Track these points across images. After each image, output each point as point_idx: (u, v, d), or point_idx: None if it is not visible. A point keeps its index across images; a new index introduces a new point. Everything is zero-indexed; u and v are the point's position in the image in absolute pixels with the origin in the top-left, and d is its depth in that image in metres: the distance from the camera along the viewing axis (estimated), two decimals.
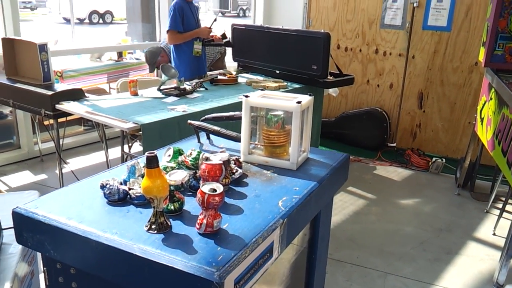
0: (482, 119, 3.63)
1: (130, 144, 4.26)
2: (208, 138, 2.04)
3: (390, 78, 5.20)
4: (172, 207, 1.33)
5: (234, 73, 4.50)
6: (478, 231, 3.41)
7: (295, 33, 4.39)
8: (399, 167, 4.70)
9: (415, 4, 4.84)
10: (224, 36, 4.46)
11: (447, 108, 4.90)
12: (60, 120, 3.50)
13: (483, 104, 3.64)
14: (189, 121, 1.97)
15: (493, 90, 3.41)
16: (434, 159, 4.61)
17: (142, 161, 1.55)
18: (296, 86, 4.19)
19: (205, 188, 1.22)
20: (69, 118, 3.76)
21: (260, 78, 4.42)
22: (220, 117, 1.96)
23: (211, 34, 4.39)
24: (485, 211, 3.70)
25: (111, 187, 1.39)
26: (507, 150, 2.92)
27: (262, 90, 3.95)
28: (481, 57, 3.61)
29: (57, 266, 1.38)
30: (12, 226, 1.53)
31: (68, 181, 3.76)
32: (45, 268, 1.43)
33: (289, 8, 5.92)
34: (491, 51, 3.43)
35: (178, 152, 1.59)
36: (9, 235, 1.62)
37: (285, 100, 1.72)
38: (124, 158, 3.76)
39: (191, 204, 1.41)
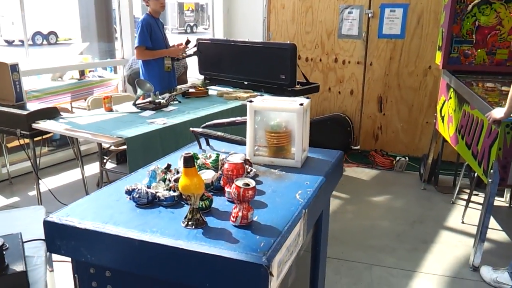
0: (442, 117, 3.92)
1: (104, 161, 4.23)
2: (208, 144, 2.13)
3: (350, 85, 5.46)
4: (203, 205, 1.41)
5: (201, 85, 4.59)
6: (447, 220, 3.66)
7: (261, 45, 4.55)
8: (365, 168, 4.94)
9: (370, 15, 5.14)
10: (188, 42, 4.54)
11: (405, 110, 5.21)
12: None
13: (443, 104, 3.93)
14: (191, 128, 2.05)
15: (451, 89, 3.70)
16: (397, 158, 4.88)
17: (161, 166, 1.62)
18: (267, 95, 4.33)
19: (239, 183, 1.31)
20: (43, 137, 3.72)
21: (229, 89, 4.53)
22: (221, 123, 2.06)
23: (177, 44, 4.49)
24: (451, 202, 3.97)
25: (139, 191, 1.46)
26: (471, 143, 3.19)
27: (237, 100, 4.08)
28: (438, 60, 3.91)
29: (91, 271, 1.43)
30: (35, 238, 1.56)
31: (45, 202, 3.70)
32: (76, 275, 1.46)
33: (249, 22, 6.08)
34: (448, 54, 3.73)
35: (194, 156, 1.67)
36: (29, 248, 1.63)
37: (286, 103, 1.85)
38: (102, 174, 3.74)
39: (216, 202, 1.49)
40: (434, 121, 4.16)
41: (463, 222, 3.60)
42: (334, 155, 2.03)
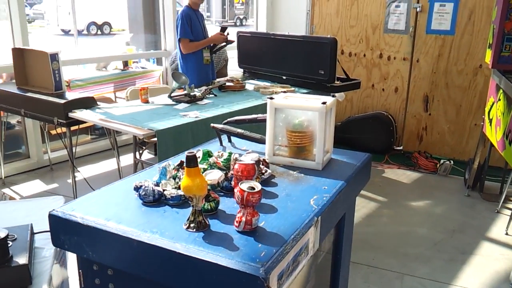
0: (490, 120, 3.66)
1: (140, 152, 4.28)
2: (230, 141, 2.07)
3: (395, 82, 5.24)
4: (209, 206, 1.34)
5: (239, 79, 4.54)
6: (490, 231, 3.43)
7: (301, 39, 4.43)
8: (407, 170, 4.73)
9: (418, 9, 4.89)
10: (223, 28, 4.47)
11: (453, 110, 4.94)
12: (71, 128, 3.52)
13: (491, 105, 3.67)
14: (212, 124, 1.99)
15: (501, 91, 3.45)
16: (442, 161, 4.63)
17: (172, 163, 1.57)
18: (304, 91, 4.22)
19: (244, 186, 1.24)
20: (79, 126, 3.79)
21: (267, 84, 4.45)
22: (242, 119, 1.99)
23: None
24: (496, 211, 3.72)
25: (146, 188, 1.41)
26: None
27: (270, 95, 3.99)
28: (488, 59, 3.66)
29: (94, 267, 1.40)
30: (44, 230, 1.56)
31: (80, 190, 3.78)
32: (80, 271, 1.44)
33: (292, 15, 5.97)
34: (498, 53, 3.48)
35: (208, 154, 1.61)
36: (41, 239, 1.64)
37: (309, 101, 1.75)
38: (136, 165, 3.78)
39: (225, 204, 1.43)
40: (482, 123, 3.91)
41: (507, 234, 3.36)
42: (361, 158, 1.91)
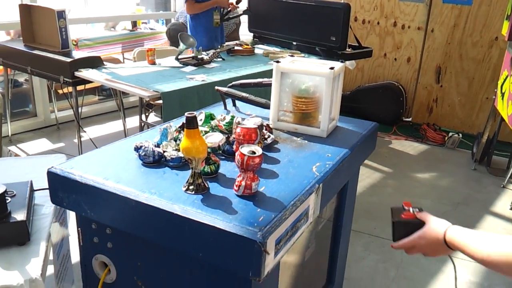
0: (503, 94, 3.58)
1: (146, 114, 4.26)
2: (234, 105, 2.03)
3: (407, 52, 5.12)
4: (209, 169, 1.33)
5: (249, 44, 4.45)
6: (495, 205, 3.41)
7: (313, 3, 4.30)
8: (414, 142, 4.68)
9: None
10: (238, 1, 4.39)
11: (465, 83, 4.83)
12: (77, 88, 3.49)
13: (505, 79, 3.58)
14: (216, 87, 1.96)
15: None
16: (450, 134, 4.57)
17: (174, 124, 1.55)
18: (314, 58, 4.13)
19: (244, 150, 1.21)
20: (86, 86, 3.76)
21: (276, 49, 4.37)
22: (248, 83, 1.95)
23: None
24: (502, 186, 3.69)
25: (146, 149, 1.40)
26: None
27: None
28: (505, 30, 3.54)
29: (93, 226, 1.40)
30: (44, 187, 1.55)
31: (86, 149, 3.78)
32: (79, 229, 1.45)
33: None
34: None
35: (210, 117, 1.59)
36: (40, 197, 1.64)
37: (317, 66, 1.70)
38: (142, 127, 3.76)
39: (225, 168, 1.41)
40: (494, 97, 3.82)
41: (511, 209, 3.33)
42: (367, 127, 1.88)
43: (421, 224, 1.26)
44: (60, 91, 4.50)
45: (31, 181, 1.60)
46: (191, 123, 1.20)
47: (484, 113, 4.68)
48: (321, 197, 1.40)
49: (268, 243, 1.08)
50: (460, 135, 4.55)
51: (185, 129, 1.20)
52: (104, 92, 5.35)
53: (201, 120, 1.59)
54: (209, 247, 1.14)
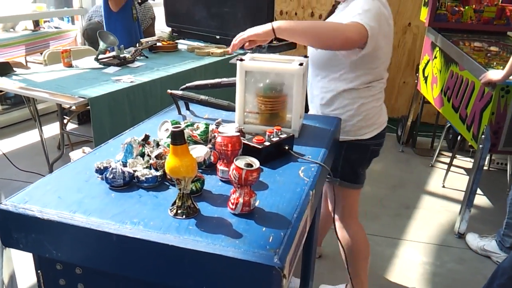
0: (426, 78, 3.76)
1: (65, 122, 3.88)
2: (188, 108, 1.87)
3: None
4: (194, 187, 1.17)
5: (167, 39, 4.23)
6: (428, 184, 3.58)
7: None
8: None
9: None
10: None
11: None
12: None
13: (426, 63, 3.76)
14: (169, 90, 1.78)
15: (437, 49, 3.53)
16: None
17: (138, 138, 1.36)
18: (241, 51, 4.02)
19: (240, 163, 1.08)
20: None
21: (201, 44, 4.20)
22: (204, 85, 1.79)
23: None
24: (430, 165, 3.89)
25: (114, 170, 1.20)
26: (459, 106, 3.05)
27: (208, 56, 3.77)
28: (424, 16, 3.70)
29: (57, 267, 1.19)
30: None
31: (0, 168, 3.36)
32: (39, 272, 1.22)
33: None
34: (434, 11, 3.52)
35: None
36: None
37: (283, 63, 1.60)
38: (63, 137, 3.41)
39: (208, 183, 1.26)
40: (416, 81, 4.00)
41: (443, 186, 3.52)
42: (332, 122, 1.81)
43: None
44: None
45: None
46: (178, 139, 1.03)
47: (402, 97, 4.91)
48: (313, 205, 1.31)
49: (286, 266, 0.96)
50: None
51: (171, 146, 1.03)
52: (9, 101, 4.79)
53: (167, 130, 1.42)
54: (215, 279, 0.99)
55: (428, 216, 3.13)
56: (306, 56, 1.67)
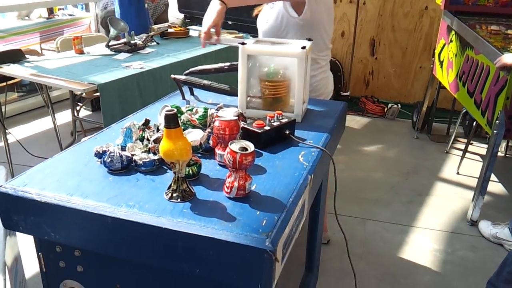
0: (441, 62, 3.67)
1: (78, 108, 3.92)
2: (192, 93, 1.87)
3: (341, 26, 5.12)
4: (190, 171, 1.17)
5: (179, 25, 4.22)
6: (442, 171, 3.52)
7: None
8: (355, 115, 4.73)
9: None
10: None
11: (399, 53, 4.93)
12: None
13: (442, 47, 3.67)
14: (172, 75, 1.77)
15: (453, 32, 3.44)
16: (389, 105, 4.67)
17: (138, 121, 1.36)
18: (250, 37, 4.00)
19: (234, 147, 1.07)
20: (7, 83, 3.37)
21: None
22: (207, 69, 1.78)
23: None
24: (445, 152, 3.82)
25: (112, 154, 1.21)
26: (474, 91, 2.98)
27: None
28: (439, 0, 3.61)
29: (57, 249, 1.20)
30: None
31: (14, 154, 3.42)
32: (40, 254, 1.24)
33: None
34: None
35: (178, 111, 1.41)
36: None
37: (285, 46, 1.58)
38: (75, 124, 3.45)
39: (205, 167, 1.26)
40: (431, 66, 3.92)
41: (458, 173, 3.45)
42: (338, 107, 1.79)
43: None
44: None
45: None
46: (171, 122, 1.03)
47: (419, 82, 4.81)
48: (311, 190, 1.29)
49: (278, 250, 0.96)
50: (399, 105, 4.65)
51: (165, 129, 1.03)
52: (24, 88, 4.86)
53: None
54: (208, 262, 0.99)
55: (441, 203, 3.08)
56: (310, 40, 1.64)
